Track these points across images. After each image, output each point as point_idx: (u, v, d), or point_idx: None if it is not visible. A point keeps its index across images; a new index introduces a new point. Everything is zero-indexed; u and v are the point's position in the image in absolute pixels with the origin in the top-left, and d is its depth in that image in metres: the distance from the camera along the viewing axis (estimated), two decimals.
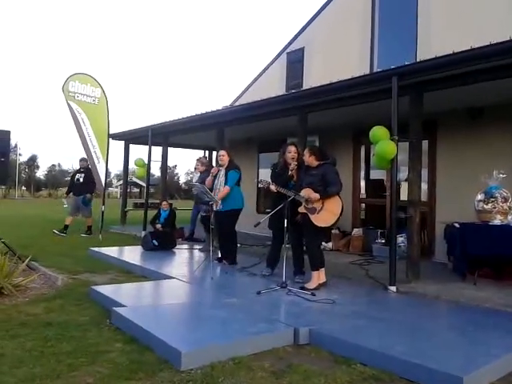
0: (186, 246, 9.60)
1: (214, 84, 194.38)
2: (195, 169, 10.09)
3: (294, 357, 3.75)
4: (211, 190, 7.38)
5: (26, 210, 24.11)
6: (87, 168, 11.90)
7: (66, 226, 11.59)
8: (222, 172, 7.35)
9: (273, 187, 6.06)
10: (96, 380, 3.18)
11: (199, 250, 8.99)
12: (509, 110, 7.44)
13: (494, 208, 6.15)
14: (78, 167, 12.51)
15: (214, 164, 10.91)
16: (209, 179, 7.57)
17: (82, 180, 11.83)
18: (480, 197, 6.33)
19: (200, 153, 17.08)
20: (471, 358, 3.50)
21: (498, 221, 6.08)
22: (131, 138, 14.14)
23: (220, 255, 7.69)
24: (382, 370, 3.42)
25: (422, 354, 3.52)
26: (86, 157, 11.88)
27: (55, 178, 67.17)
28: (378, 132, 6.02)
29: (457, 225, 6.42)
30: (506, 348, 3.75)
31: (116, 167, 70.72)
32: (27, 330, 4.20)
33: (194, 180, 10.10)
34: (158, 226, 9.71)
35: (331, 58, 11.99)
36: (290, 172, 6.16)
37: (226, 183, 7.23)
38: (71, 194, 12.22)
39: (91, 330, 4.26)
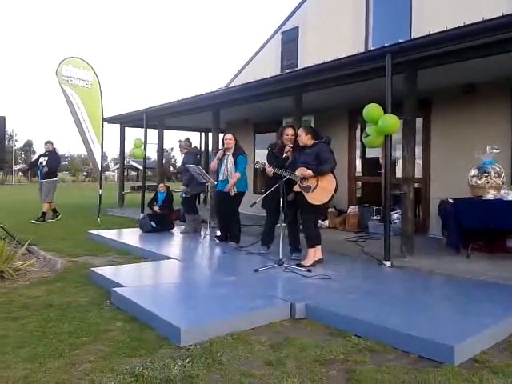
0: (183, 227, 9.66)
1: (210, 65, 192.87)
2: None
3: (290, 330, 3.84)
4: (217, 173, 7.45)
5: (24, 195, 24.10)
6: (53, 151, 11.66)
7: (44, 213, 11.33)
8: (230, 157, 7.36)
9: (269, 169, 6.08)
10: (97, 358, 3.26)
11: (180, 232, 8.94)
12: (501, 86, 7.48)
13: (488, 183, 6.22)
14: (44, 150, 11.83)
15: (209, 147, 10.87)
16: (214, 162, 7.60)
17: (44, 164, 11.36)
18: (473, 172, 6.39)
19: (196, 135, 17.09)
20: (463, 328, 3.59)
21: (491, 195, 6.15)
22: (127, 121, 14.13)
23: (219, 234, 7.78)
24: (377, 342, 3.52)
25: (415, 326, 3.61)
26: (51, 140, 11.67)
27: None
28: (373, 110, 6.04)
29: (451, 200, 6.50)
30: (496, 318, 3.85)
31: (113, 151, 70.48)
32: (29, 311, 4.27)
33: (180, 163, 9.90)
34: (156, 208, 9.79)
35: (326, 37, 11.93)
36: (284, 154, 6.19)
37: (236, 169, 7.29)
38: (38, 178, 11.73)
39: (92, 310, 4.34)
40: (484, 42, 5.45)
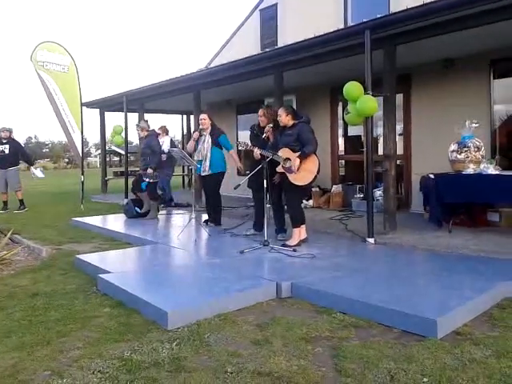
0: (168, 212, 9.65)
1: (189, 46, 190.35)
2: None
3: (277, 310, 3.90)
4: (190, 154, 7.44)
5: None
6: (12, 139, 11.16)
7: (5, 202, 11.03)
8: (207, 137, 7.35)
9: (256, 151, 6.05)
10: (86, 344, 3.28)
11: (145, 218, 8.68)
12: (479, 59, 7.53)
13: (467, 157, 6.28)
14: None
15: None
16: (190, 143, 7.60)
17: (7, 151, 10.82)
18: (453, 147, 6.45)
19: (178, 117, 16.96)
20: (445, 302, 3.67)
21: (470, 170, 6.22)
22: (106, 105, 13.93)
23: (207, 218, 7.80)
24: (361, 318, 3.59)
25: (399, 301, 3.68)
26: (8, 127, 11.15)
27: (32, 150, 66.02)
28: (352, 88, 6.04)
29: (431, 176, 6.56)
30: (478, 290, 3.94)
31: (94, 137, 69.70)
32: (14, 301, 4.27)
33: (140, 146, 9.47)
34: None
35: (305, 15, 11.85)
36: (264, 135, 6.18)
37: (227, 148, 7.46)
38: None
39: (78, 297, 4.34)
40: (461, 15, 5.45)
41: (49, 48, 11.21)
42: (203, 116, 7.48)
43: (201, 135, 7.43)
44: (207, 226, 7.53)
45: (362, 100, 5.91)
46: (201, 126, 7.44)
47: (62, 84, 11.27)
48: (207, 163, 7.30)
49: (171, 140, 11.13)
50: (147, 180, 8.54)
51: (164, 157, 9.80)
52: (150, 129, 8.95)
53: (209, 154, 7.29)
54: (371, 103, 5.90)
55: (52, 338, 3.38)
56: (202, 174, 7.39)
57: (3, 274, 5.24)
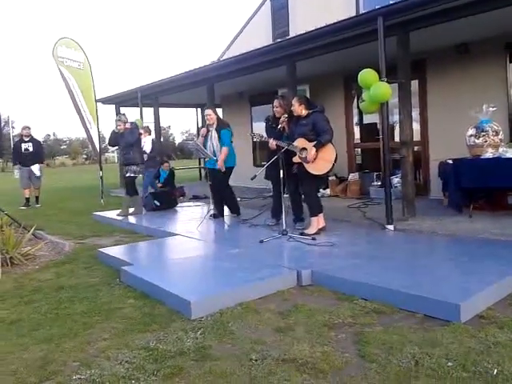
0: (187, 204, 9.72)
1: (202, 38, 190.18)
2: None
3: (298, 297, 3.92)
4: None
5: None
6: (33, 137, 11.42)
7: (28, 199, 11.27)
8: (214, 133, 7.36)
9: (272, 142, 6.07)
10: (112, 335, 3.34)
11: (117, 215, 8.48)
12: (494, 43, 7.43)
13: (486, 142, 6.22)
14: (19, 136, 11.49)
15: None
16: (200, 140, 7.59)
17: (31, 149, 11.14)
18: (471, 131, 6.39)
19: (192, 111, 17.01)
20: (467, 286, 3.66)
21: (489, 154, 6.16)
22: (121, 101, 14.02)
23: (215, 212, 7.71)
24: (383, 303, 3.59)
25: (421, 286, 3.68)
26: (28, 125, 11.39)
27: (51, 147, 66.76)
28: (367, 75, 6.00)
29: (450, 161, 6.52)
30: (499, 274, 3.91)
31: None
32: (40, 295, 4.35)
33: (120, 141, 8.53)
34: (159, 184, 9.95)
35: (316, 3, 11.76)
36: (280, 125, 6.18)
37: (222, 144, 7.27)
38: (20, 164, 11.25)
39: (102, 289, 4.42)
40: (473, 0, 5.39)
41: (67, 44, 11.34)
42: (208, 112, 7.49)
43: (208, 131, 7.44)
44: (217, 219, 7.53)
45: (375, 86, 5.88)
46: (207, 122, 7.45)
47: (78, 80, 11.40)
48: (216, 158, 7.29)
49: (152, 140, 10.73)
50: (130, 174, 8.31)
51: (145, 157, 9.49)
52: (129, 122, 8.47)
53: (217, 150, 7.30)
54: (384, 89, 5.85)
55: (79, 330, 3.45)
56: (216, 169, 7.29)
57: (28, 269, 5.34)
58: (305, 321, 3.40)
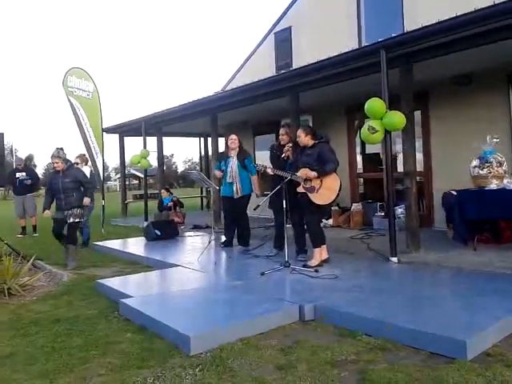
0: (188, 234, 9.65)
1: (206, 69, 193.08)
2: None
3: (300, 333, 3.83)
4: (223, 176, 7.42)
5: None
6: (27, 166, 11.70)
7: (24, 228, 11.38)
8: (234, 159, 7.30)
9: (269, 170, 6.10)
10: (108, 371, 3.25)
11: (66, 265, 7.00)
12: (496, 74, 7.47)
13: (490, 173, 6.18)
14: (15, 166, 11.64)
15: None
16: (218, 171, 7.53)
17: (25, 178, 11.25)
18: (475, 163, 6.36)
19: (195, 140, 17.08)
20: (473, 322, 3.57)
21: (494, 185, 6.11)
22: (125, 130, 14.14)
23: (224, 239, 7.72)
24: (387, 340, 3.50)
25: (426, 322, 3.59)
26: (22, 157, 11.76)
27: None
28: (374, 104, 5.95)
29: (454, 192, 6.47)
30: (506, 310, 3.82)
31: (113, 161, 70.49)
32: (37, 327, 4.27)
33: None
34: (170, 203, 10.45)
35: (319, 36, 11.93)
36: (284, 154, 6.19)
37: (250, 172, 7.28)
38: (14, 193, 11.63)
39: (100, 322, 4.33)
40: (476, 32, 5.41)
41: (77, 74, 11.49)
42: (234, 136, 7.46)
43: (228, 157, 7.40)
44: (226, 248, 7.50)
45: (390, 115, 5.85)
46: (230, 146, 7.38)
47: (87, 110, 11.52)
48: (239, 185, 7.21)
49: (91, 171, 10.07)
50: (75, 220, 7.10)
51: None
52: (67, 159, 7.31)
53: (238, 176, 7.23)
54: (400, 117, 5.83)
55: (74, 365, 3.37)
56: (235, 197, 7.23)
57: (26, 300, 5.26)
58: (307, 358, 3.30)
